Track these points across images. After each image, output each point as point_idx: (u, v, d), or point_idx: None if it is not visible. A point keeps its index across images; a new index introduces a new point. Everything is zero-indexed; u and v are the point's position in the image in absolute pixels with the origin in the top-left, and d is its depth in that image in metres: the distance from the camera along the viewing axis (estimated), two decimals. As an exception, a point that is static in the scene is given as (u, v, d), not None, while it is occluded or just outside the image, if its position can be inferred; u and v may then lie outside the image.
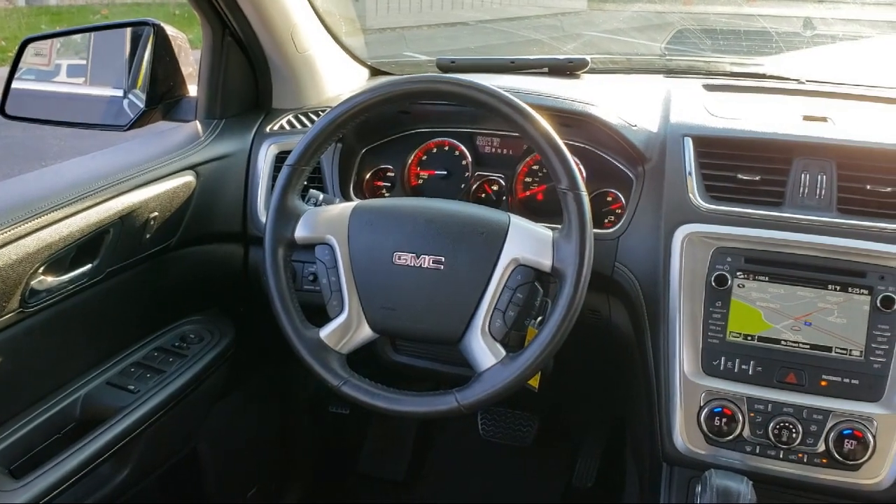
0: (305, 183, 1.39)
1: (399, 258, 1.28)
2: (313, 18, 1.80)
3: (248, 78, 1.79)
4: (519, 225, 1.29)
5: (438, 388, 1.28)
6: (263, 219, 1.66)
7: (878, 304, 1.27)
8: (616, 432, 1.92)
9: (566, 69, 1.78)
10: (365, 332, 1.32)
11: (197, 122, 1.75)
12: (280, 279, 1.32)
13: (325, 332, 1.30)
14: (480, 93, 1.27)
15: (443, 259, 1.27)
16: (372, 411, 1.28)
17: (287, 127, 1.73)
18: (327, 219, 1.34)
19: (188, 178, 1.59)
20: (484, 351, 1.25)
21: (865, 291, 1.28)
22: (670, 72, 1.89)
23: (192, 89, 1.77)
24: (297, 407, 2.22)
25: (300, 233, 1.33)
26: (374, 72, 2.04)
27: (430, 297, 1.27)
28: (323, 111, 1.44)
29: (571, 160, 1.25)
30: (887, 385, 1.27)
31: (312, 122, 1.66)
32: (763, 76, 1.85)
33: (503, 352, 1.25)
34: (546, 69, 1.79)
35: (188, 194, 1.60)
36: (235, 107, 1.78)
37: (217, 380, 1.72)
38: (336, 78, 1.89)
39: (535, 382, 1.38)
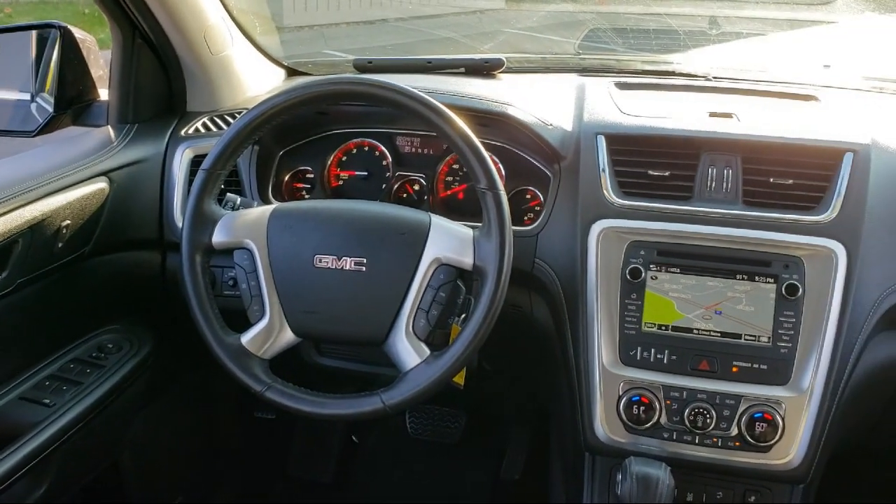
0: (223, 187, 1.37)
1: (320, 261, 1.28)
2: (227, 19, 1.78)
3: (160, 80, 1.76)
4: (440, 225, 1.30)
5: (366, 389, 1.28)
6: (180, 224, 1.63)
7: (784, 292, 1.33)
8: (542, 424, 1.96)
9: (483, 69, 1.80)
10: (287, 337, 1.31)
11: (109, 126, 1.70)
12: (198, 286, 1.30)
13: (246, 338, 1.29)
14: (398, 94, 1.28)
15: (364, 260, 1.27)
16: (297, 415, 1.28)
17: (202, 130, 1.70)
18: (245, 223, 1.33)
19: (101, 184, 1.55)
20: (408, 351, 1.26)
21: (771, 280, 1.34)
22: (584, 70, 1.93)
23: (104, 93, 1.73)
24: (223, 413, 2.19)
25: (218, 238, 1.32)
26: (291, 72, 2.03)
27: (353, 299, 1.27)
28: (239, 113, 1.42)
29: (489, 160, 1.27)
30: (793, 369, 1.33)
31: (228, 124, 1.64)
32: (673, 73, 1.91)
33: (427, 351, 1.26)
34: (463, 69, 1.81)
35: (101, 201, 1.56)
36: (148, 110, 1.74)
37: (138, 389, 1.68)
38: (252, 79, 1.87)
39: (460, 379, 1.39)
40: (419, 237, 1.28)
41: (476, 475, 2.28)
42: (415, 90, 1.27)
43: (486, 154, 1.27)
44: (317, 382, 1.32)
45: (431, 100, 1.27)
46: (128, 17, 1.62)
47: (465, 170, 1.62)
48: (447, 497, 2.24)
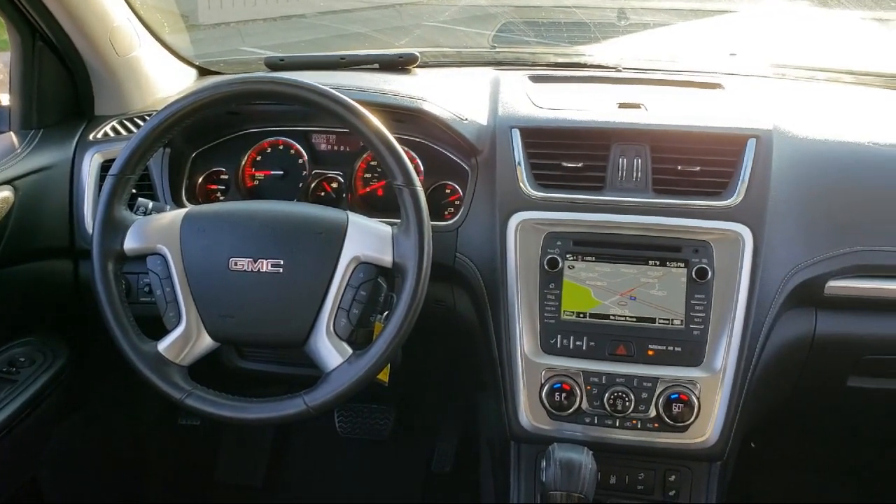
0: (134, 191, 1.34)
1: (235, 264, 1.27)
2: (133, 19, 1.73)
3: (66, 84, 1.70)
4: (357, 223, 1.30)
5: (293, 391, 1.27)
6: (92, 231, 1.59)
7: (694, 276, 1.38)
8: (471, 416, 1.98)
9: (397, 64, 1.80)
10: (205, 342, 1.29)
11: (11, 133, 1.64)
12: (111, 294, 1.27)
13: (163, 346, 1.27)
14: (310, 92, 1.27)
15: (281, 262, 1.26)
16: (220, 422, 1.26)
17: (111, 134, 1.66)
18: (158, 228, 1.30)
19: (5, 193, 1.49)
20: (330, 351, 1.26)
21: (682, 265, 1.39)
22: (499, 64, 1.95)
23: (5, 98, 1.66)
24: (146, 423, 2.14)
25: (130, 244, 1.29)
26: (203, 71, 1.99)
27: (271, 302, 1.26)
28: (150, 115, 1.39)
29: (404, 156, 1.27)
30: (706, 350, 1.38)
31: (138, 127, 1.60)
32: (585, 65, 1.94)
33: (350, 350, 1.26)
34: (377, 65, 1.80)
35: (6, 210, 1.50)
36: (54, 115, 1.68)
37: (54, 403, 1.63)
38: (162, 80, 1.83)
39: (384, 377, 1.40)
40: (337, 236, 1.27)
41: (407, 470, 2.29)
42: (325, 87, 1.27)
43: (400, 150, 1.27)
44: (241, 387, 1.30)
45: (343, 97, 1.26)
46: (26, 19, 1.56)
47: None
48: (379, 494, 2.24)
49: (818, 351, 1.46)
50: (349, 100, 1.27)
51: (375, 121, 1.27)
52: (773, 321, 1.40)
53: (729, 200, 1.39)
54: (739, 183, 1.40)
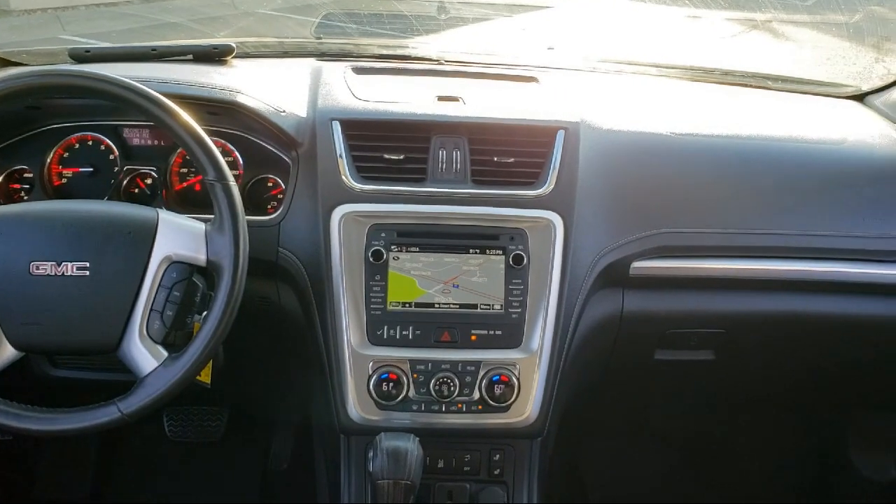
0: None
1: (37, 268, 1.19)
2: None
3: None
4: (169, 220, 1.26)
5: (113, 398, 1.22)
6: None
7: (511, 262, 1.43)
8: (305, 411, 1.96)
9: (212, 56, 1.74)
10: (7, 353, 1.21)
11: None
12: None
13: None
14: (111, 85, 1.22)
15: (88, 264, 1.20)
16: (27, 435, 1.19)
17: None
18: None
19: None
20: (144, 355, 1.22)
21: (500, 252, 1.44)
22: (322, 55, 1.93)
23: None
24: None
25: None
26: (3, 62, 1.84)
27: (78, 307, 1.20)
28: None
29: (215, 150, 1.24)
30: (524, 332, 1.43)
31: None
32: (408, 58, 1.96)
33: (165, 353, 1.23)
34: (191, 56, 1.74)
35: None
36: None
37: None
38: (-49, 71, 1.68)
39: (205, 378, 1.36)
40: (146, 235, 1.23)
41: (243, 470, 2.24)
42: (128, 80, 1.21)
43: (211, 144, 1.24)
44: (57, 396, 1.23)
45: (147, 89, 1.22)
46: None
47: None
48: (215, 496, 2.18)
49: (626, 327, 1.56)
50: (154, 92, 1.22)
51: (183, 114, 1.23)
52: (585, 302, 1.48)
53: (541, 190, 1.45)
54: (550, 173, 1.47)
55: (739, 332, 1.63)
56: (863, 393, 1.94)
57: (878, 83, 2.00)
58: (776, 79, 2.10)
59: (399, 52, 2.00)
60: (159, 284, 1.22)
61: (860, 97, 2.00)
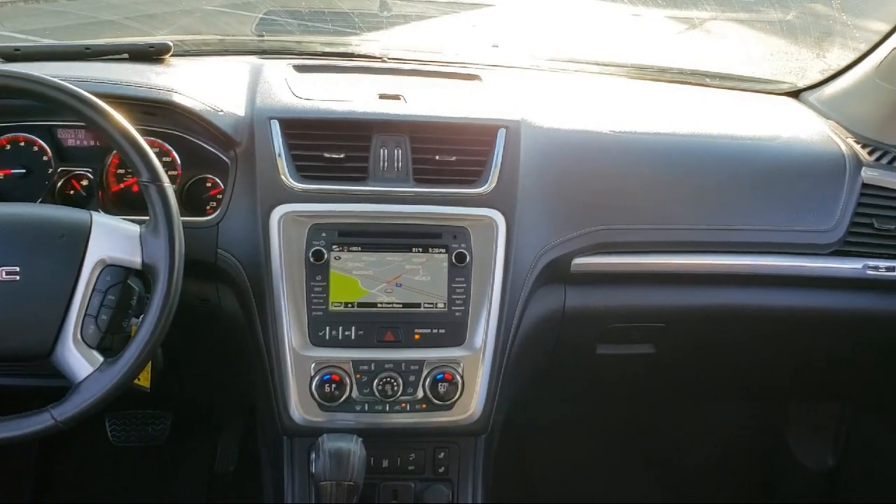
0: None
1: None
2: None
3: None
4: (103, 223, 1.23)
5: (47, 405, 1.19)
6: None
7: (454, 260, 1.44)
8: (252, 412, 1.95)
9: (149, 54, 1.71)
10: None
11: None
12: None
13: None
14: (40, 85, 1.19)
15: (18, 269, 1.17)
16: None
17: None
18: None
19: None
20: (79, 360, 1.19)
21: (442, 250, 1.44)
22: (264, 53, 1.91)
23: None
24: None
25: None
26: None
27: (8, 313, 1.17)
28: None
29: (149, 151, 1.22)
30: (468, 330, 1.44)
31: None
32: (351, 55, 1.95)
33: (100, 358, 1.21)
34: (126, 55, 1.70)
35: None
36: None
37: None
38: None
39: (145, 381, 1.34)
40: (79, 238, 1.20)
41: (189, 473, 2.21)
42: (58, 80, 1.19)
43: (144, 145, 1.22)
44: None
45: (77, 89, 1.19)
46: None
47: None
48: (161, 501, 2.15)
49: (568, 323, 1.58)
50: (85, 93, 1.19)
51: (115, 114, 1.21)
52: (528, 298, 1.49)
53: (483, 188, 1.46)
54: (492, 171, 1.47)
55: (678, 325, 1.66)
56: (798, 383, 1.99)
57: (813, 80, 2.06)
58: (715, 76, 2.14)
59: (341, 49, 1.99)
60: (94, 288, 1.20)
61: (796, 93, 2.05)
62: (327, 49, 1.99)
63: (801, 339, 1.77)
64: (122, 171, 1.57)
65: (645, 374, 1.87)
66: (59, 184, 1.55)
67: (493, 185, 1.46)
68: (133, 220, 1.29)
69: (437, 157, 1.49)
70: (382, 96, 1.60)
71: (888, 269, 1.64)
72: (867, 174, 1.69)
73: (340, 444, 1.30)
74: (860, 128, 1.81)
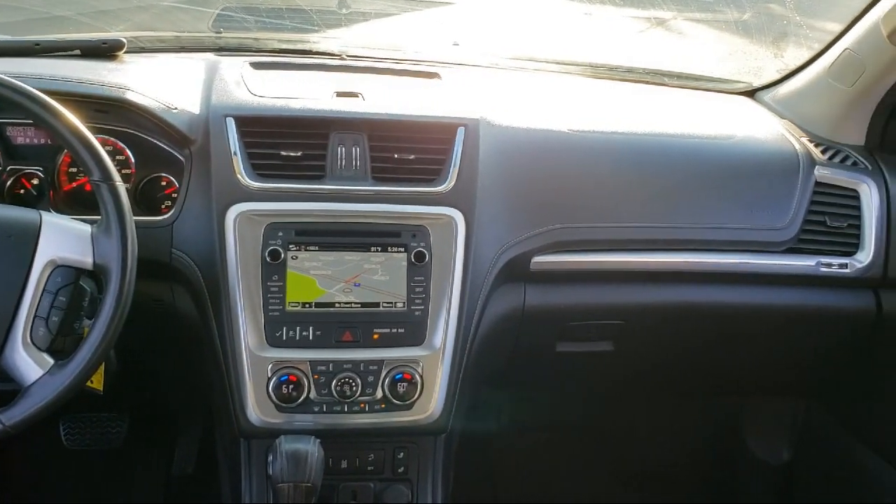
0: None
1: None
2: None
3: None
4: (53, 222, 1.21)
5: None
6: None
7: (413, 259, 1.43)
8: (209, 414, 1.92)
9: (102, 51, 1.67)
10: None
11: None
12: None
13: None
14: None
15: None
16: None
17: None
18: None
19: None
20: (28, 363, 1.16)
21: (402, 249, 1.43)
22: (221, 50, 1.88)
23: None
24: None
25: None
26: None
27: None
28: None
29: (100, 149, 1.20)
30: (427, 329, 1.43)
31: None
32: (310, 52, 1.93)
33: (51, 361, 1.18)
34: (78, 51, 1.67)
35: None
36: None
37: None
38: None
39: (98, 384, 1.32)
40: (28, 238, 1.17)
41: (147, 476, 2.18)
42: (5, 76, 1.16)
43: (95, 143, 1.19)
44: None
45: (25, 86, 1.17)
46: None
47: None
48: (118, 503, 2.11)
49: (528, 322, 1.58)
50: (33, 90, 1.17)
51: (65, 112, 1.18)
52: (487, 297, 1.49)
53: (442, 187, 1.46)
54: (451, 170, 1.47)
55: (636, 322, 1.68)
56: (755, 379, 2.02)
57: (769, 79, 2.09)
58: (672, 76, 2.16)
59: (300, 46, 1.97)
60: (44, 289, 1.17)
61: (752, 93, 2.08)
62: (285, 46, 1.97)
63: (757, 336, 1.79)
64: (74, 169, 1.54)
65: (605, 372, 1.88)
66: (9, 183, 1.51)
67: (453, 183, 1.46)
68: (86, 220, 1.26)
69: (396, 156, 1.48)
70: (340, 94, 1.58)
71: (840, 265, 1.68)
72: (820, 173, 1.72)
73: (298, 445, 1.29)
74: (814, 127, 1.84)
